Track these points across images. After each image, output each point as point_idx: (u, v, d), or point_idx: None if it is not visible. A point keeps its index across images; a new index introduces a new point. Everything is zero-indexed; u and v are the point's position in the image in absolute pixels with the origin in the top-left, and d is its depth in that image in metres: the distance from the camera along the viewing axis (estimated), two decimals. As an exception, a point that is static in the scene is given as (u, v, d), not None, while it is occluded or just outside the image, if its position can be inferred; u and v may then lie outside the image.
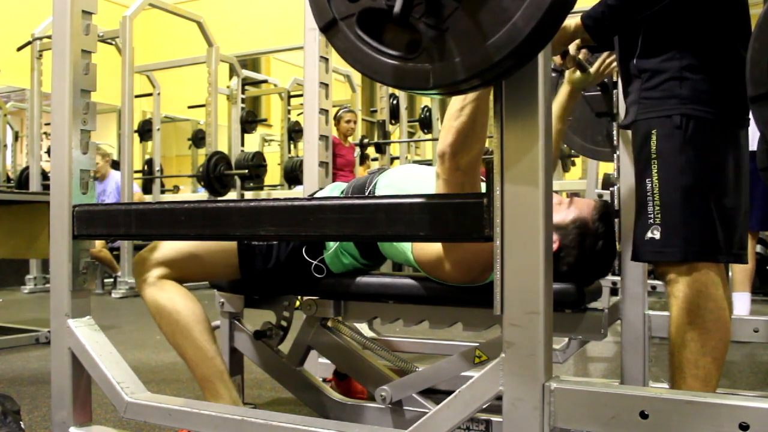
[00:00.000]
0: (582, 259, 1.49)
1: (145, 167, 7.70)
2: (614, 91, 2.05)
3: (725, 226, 1.46)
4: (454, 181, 1.29)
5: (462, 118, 1.24)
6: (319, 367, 2.19)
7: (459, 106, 1.24)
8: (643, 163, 1.50)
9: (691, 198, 1.44)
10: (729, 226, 1.47)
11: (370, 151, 6.69)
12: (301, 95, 3.69)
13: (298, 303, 1.81)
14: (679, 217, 1.44)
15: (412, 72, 0.91)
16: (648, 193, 1.47)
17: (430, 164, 6.62)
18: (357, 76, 7.50)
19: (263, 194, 6.89)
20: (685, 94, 1.44)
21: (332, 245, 1.63)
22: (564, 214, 1.51)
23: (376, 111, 7.01)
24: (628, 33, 1.56)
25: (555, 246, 1.47)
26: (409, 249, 1.55)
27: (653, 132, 1.47)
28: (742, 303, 3.42)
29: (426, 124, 7.59)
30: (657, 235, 1.45)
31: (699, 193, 1.44)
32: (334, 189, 1.81)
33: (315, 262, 1.63)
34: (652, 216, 1.46)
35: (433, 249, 1.48)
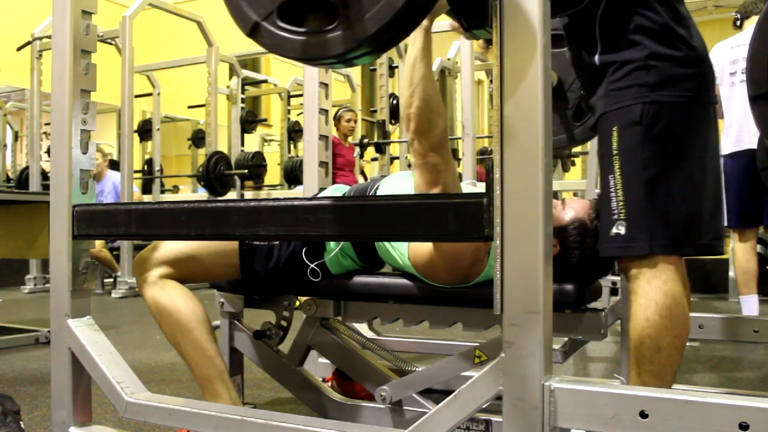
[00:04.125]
0: (584, 259, 1.49)
1: (145, 167, 7.69)
2: None
3: (692, 216, 1.45)
4: (428, 163, 1.35)
5: (415, 102, 1.32)
6: (319, 367, 2.19)
7: (408, 93, 1.32)
8: (605, 160, 1.48)
9: (654, 191, 1.42)
10: (697, 217, 1.46)
11: (370, 151, 6.68)
12: (301, 95, 3.69)
13: (298, 303, 1.81)
14: (642, 212, 1.42)
15: (323, 44, 1.00)
16: (611, 189, 1.45)
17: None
18: (357, 76, 7.50)
19: (263, 194, 6.89)
20: (652, 81, 1.43)
21: (333, 248, 1.63)
22: (561, 216, 1.51)
23: (376, 111, 7.00)
24: (580, 30, 1.55)
25: (556, 250, 1.47)
26: (405, 255, 1.55)
27: (614, 128, 1.45)
28: (750, 305, 3.35)
29: (426, 124, 7.58)
30: (622, 230, 1.43)
31: (662, 185, 1.42)
32: (336, 191, 1.81)
33: (312, 266, 1.63)
34: (616, 212, 1.44)
35: (427, 252, 1.48)
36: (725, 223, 3.32)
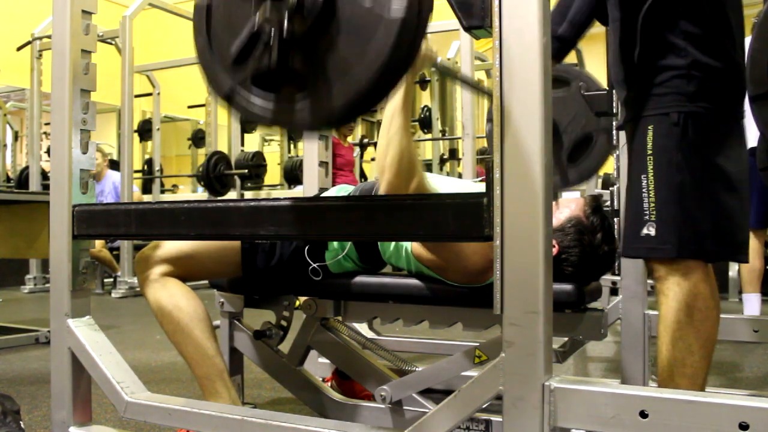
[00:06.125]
0: (584, 256, 1.48)
1: (145, 167, 7.69)
2: (614, 91, 2.05)
3: (722, 224, 1.45)
4: None
5: (390, 154, 1.34)
6: (319, 367, 2.19)
7: (383, 143, 1.36)
8: (638, 160, 1.49)
9: (686, 195, 1.43)
10: (726, 224, 1.46)
11: (370, 151, 6.68)
12: (301, 95, 3.68)
13: (298, 303, 1.81)
14: (674, 215, 1.43)
15: (292, 114, 1.01)
16: (643, 190, 1.46)
17: (429, 165, 6.61)
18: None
19: (263, 194, 6.88)
20: (692, 91, 1.43)
21: (335, 248, 1.63)
22: (557, 215, 1.51)
23: (375, 111, 7.00)
24: (624, 30, 1.53)
25: (555, 250, 1.47)
26: (409, 250, 1.55)
27: (650, 128, 1.45)
28: (752, 304, 3.35)
29: (426, 123, 7.59)
30: (652, 231, 1.44)
31: (695, 190, 1.43)
32: (341, 191, 1.81)
33: (314, 265, 1.63)
34: (647, 212, 1.44)
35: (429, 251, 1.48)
36: None
